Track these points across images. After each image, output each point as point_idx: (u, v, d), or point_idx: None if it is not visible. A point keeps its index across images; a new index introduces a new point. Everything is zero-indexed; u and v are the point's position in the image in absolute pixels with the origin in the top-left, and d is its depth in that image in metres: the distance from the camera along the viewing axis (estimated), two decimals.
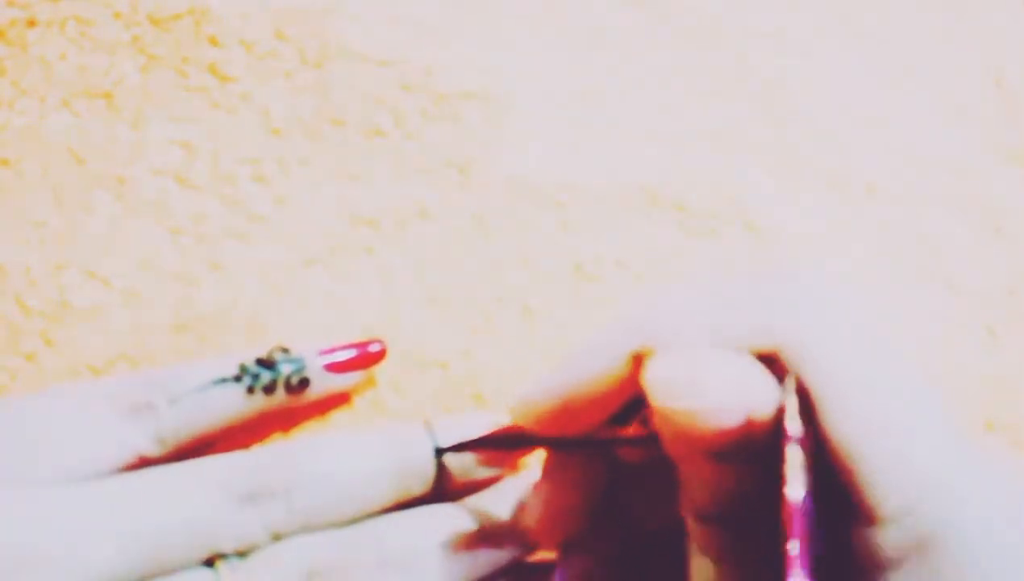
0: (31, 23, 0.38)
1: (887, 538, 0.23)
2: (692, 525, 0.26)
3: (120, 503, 0.30)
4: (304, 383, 0.33)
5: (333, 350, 0.34)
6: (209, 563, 0.30)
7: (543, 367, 0.34)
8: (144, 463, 0.32)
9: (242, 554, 0.31)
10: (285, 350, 0.33)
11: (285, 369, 0.33)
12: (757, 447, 0.23)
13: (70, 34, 0.38)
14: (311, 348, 0.34)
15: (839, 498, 0.23)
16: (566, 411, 0.27)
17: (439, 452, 0.32)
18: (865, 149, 0.42)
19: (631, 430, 0.27)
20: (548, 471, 0.29)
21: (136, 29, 0.39)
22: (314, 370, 0.34)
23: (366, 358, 0.35)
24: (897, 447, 0.23)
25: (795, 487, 0.22)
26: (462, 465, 0.33)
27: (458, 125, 0.39)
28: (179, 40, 0.39)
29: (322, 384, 0.34)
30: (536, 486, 0.29)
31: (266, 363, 0.33)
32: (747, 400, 0.23)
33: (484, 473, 0.33)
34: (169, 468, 0.31)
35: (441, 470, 0.32)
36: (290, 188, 0.37)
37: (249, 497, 0.31)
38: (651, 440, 0.26)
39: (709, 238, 0.39)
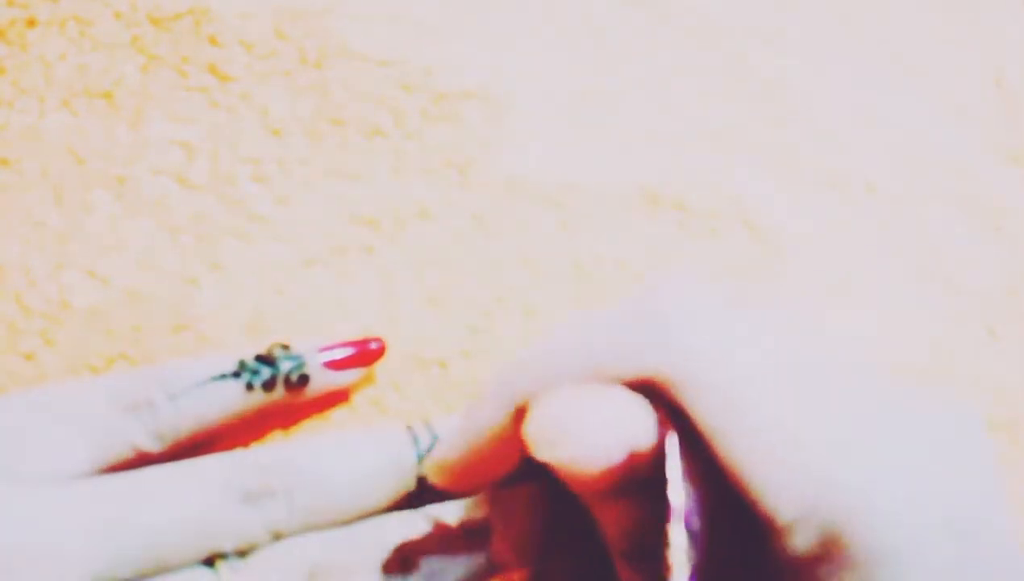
0: (31, 23, 0.38)
1: (793, 545, 0.23)
2: (617, 564, 0.26)
3: (118, 501, 0.30)
4: (304, 380, 0.33)
5: (332, 347, 0.34)
6: (209, 563, 0.30)
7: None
8: (143, 459, 0.32)
9: (243, 554, 0.31)
10: (285, 347, 0.33)
11: (284, 366, 0.33)
12: (649, 478, 0.23)
13: (70, 34, 0.38)
14: (311, 345, 0.34)
15: (744, 513, 0.23)
16: (470, 470, 0.28)
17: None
18: (865, 149, 0.42)
19: None
20: (494, 502, 0.30)
21: (136, 29, 0.39)
22: (313, 367, 0.34)
23: (365, 355, 0.35)
24: (780, 453, 0.23)
25: (676, 494, 0.22)
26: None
27: (458, 125, 0.39)
28: (179, 40, 0.39)
29: (322, 381, 0.34)
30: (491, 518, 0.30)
31: (265, 360, 0.33)
32: (624, 436, 0.23)
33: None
34: (169, 467, 0.31)
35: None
36: (290, 188, 0.37)
37: (249, 496, 0.31)
38: None
39: (709, 238, 0.39)
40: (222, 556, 0.30)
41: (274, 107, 0.38)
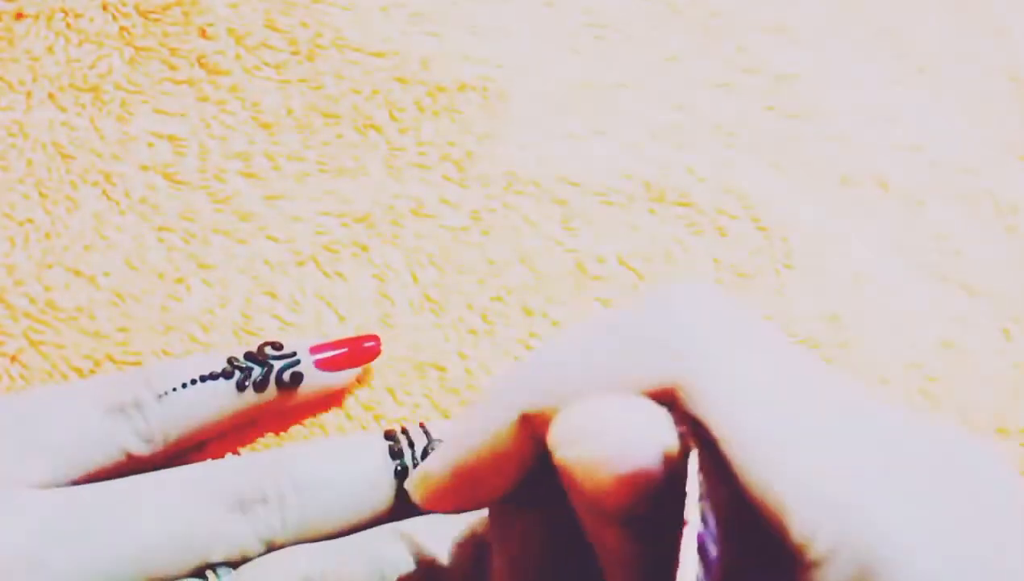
0: (18, 15, 0.38)
1: (826, 579, 0.22)
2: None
3: (103, 510, 0.29)
4: (296, 380, 0.33)
5: (325, 346, 0.34)
6: (199, 574, 0.30)
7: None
8: (134, 462, 0.31)
9: (233, 566, 0.30)
10: (276, 346, 0.33)
11: (276, 365, 0.33)
12: (661, 509, 0.22)
13: (56, 26, 0.38)
14: (303, 344, 0.33)
15: (772, 545, 0.22)
16: (459, 488, 0.26)
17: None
18: (877, 146, 0.41)
19: None
20: (493, 526, 0.28)
21: (124, 21, 0.39)
22: (306, 367, 0.33)
23: (360, 355, 0.34)
24: (815, 479, 0.22)
25: (693, 512, 0.21)
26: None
27: (455, 119, 0.39)
28: (167, 32, 0.39)
29: (315, 382, 0.33)
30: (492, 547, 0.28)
31: (256, 359, 0.33)
32: (652, 443, 0.22)
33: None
34: (158, 474, 0.31)
35: None
36: (281, 184, 0.37)
37: (242, 504, 0.30)
38: None
39: (716, 236, 0.39)
40: (212, 567, 0.30)
41: (265, 100, 0.38)
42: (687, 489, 0.21)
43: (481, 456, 0.25)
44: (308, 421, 0.34)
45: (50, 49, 0.38)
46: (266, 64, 0.38)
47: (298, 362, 0.33)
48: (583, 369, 0.24)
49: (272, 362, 0.33)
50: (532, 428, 0.24)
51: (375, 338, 0.34)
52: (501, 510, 0.27)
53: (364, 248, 0.37)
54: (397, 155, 0.38)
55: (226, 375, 0.32)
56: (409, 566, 0.30)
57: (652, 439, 0.22)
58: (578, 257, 0.37)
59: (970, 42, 0.44)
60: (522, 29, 0.41)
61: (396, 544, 0.31)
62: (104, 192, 0.36)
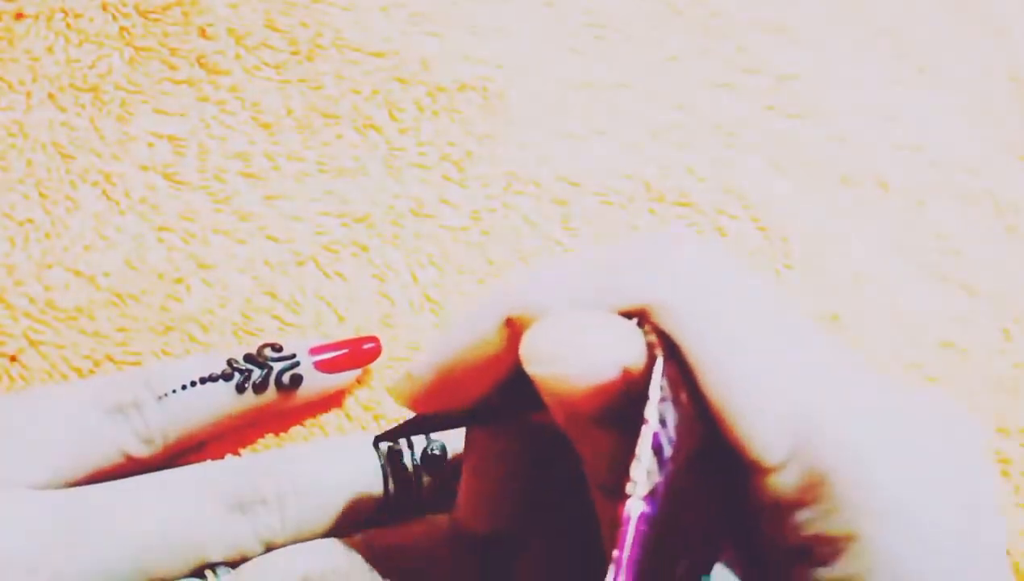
0: (18, 15, 0.38)
1: (782, 484, 0.23)
2: (598, 501, 0.26)
3: (102, 509, 0.29)
4: (296, 381, 0.33)
5: (325, 348, 0.34)
6: (199, 575, 0.30)
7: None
8: (133, 463, 0.31)
9: (232, 565, 0.30)
10: (276, 348, 0.33)
11: (276, 367, 0.33)
12: (636, 409, 0.23)
13: (56, 26, 0.38)
14: (302, 346, 0.33)
15: (730, 452, 0.24)
16: (442, 388, 0.27)
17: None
18: (877, 146, 0.41)
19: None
20: (466, 446, 0.29)
21: (124, 21, 0.38)
22: (306, 368, 0.33)
23: (359, 356, 0.34)
24: (771, 390, 0.23)
25: (651, 411, 0.22)
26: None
27: (455, 119, 0.39)
28: (167, 32, 0.38)
29: (314, 383, 0.33)
30: (463, 473, 0.29)
31: (256, 360, 0.33)
32: (620, 354, 0.23)
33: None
34: (158, 475, 0.31)
35: (418, 476, 0.32)
36: (281, 184, 0.37)
37: (241, 504, 0.30)
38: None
39: (716, 236, 0.39)
40: (211, 567, 0.30)
41: (265, 100, 0.38)
42: (648, 393, 0.22)
43: (466, 357, 0.26)
44: (308, 422, 0.34)
45: (50, 49, 0.38)
46: (266, 64, 0.38)
47: (298, 364, 0.33)
48: (567, 282, 0.25)
49: (272, 364, 0.33)
50: (515, 332, 0.25)
51: (375, 339, 0.34)
52: (475, 432, 0.29)
53: (364, 248, 0.37)
54: (397, 155, 0.38)
55: (225, 377, 0.32)
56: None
57: (610, 357, 0.23)
58: None
59: (970, 42, 0.44)
60: (522, 29, 0.41)
61: (398, 534, 0.31)
62: (104, 192, 0.36)
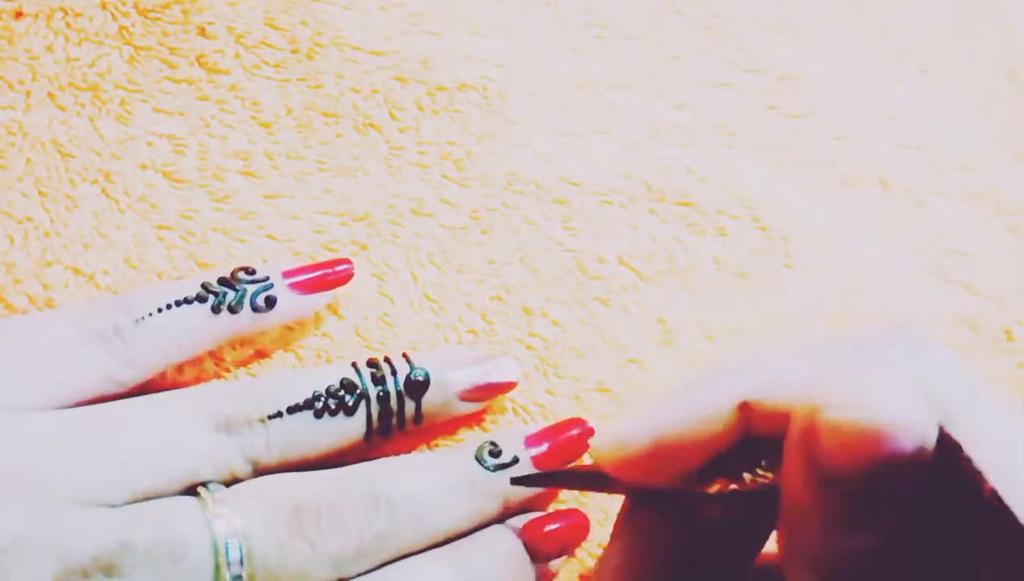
0: (18, 15, 0.38)
1: None
2: (795, 575, 0.25)
3: (96, 427, 0.30)
4: (270, 303, 0.33)
5: (298, 271, 0.34)
6: (192, 492, 0.30)
7: (630, 412, 0.33)
8: (116, 387, 0.32)
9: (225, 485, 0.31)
10: (249, 271, 0.33)
11: (249, 289, 0.33)
12: (898, 498, 0.23)
13: (56, 26, 0.38)
14: (275, 268, 0.34)
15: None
16: (654, 459, 0.26)
17: (513, 482, 0.31)
18: (878, 146, 0.41)
19: (715, 487, 0.26)
20: (624, 522, 0.28)
21: (123, 20, 0.38)
22: (279, 290, 0.33)
23: (332, 278, 0.34)
24: None
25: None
26: (444, 398, 0.33)
27: (455, 118, 0.39)
28: (167, 31, 0.38)
29: (288, 305, 0.34)
30: (611, 540, 0.28)
31: (230, 283, 0.33)
32: (924, 426, 0.23)
33: (462, 409, 0.34)
34: (144, 398, 0.31)
35: (401, 402, 0.33)
36: (281, 183, 0.37)
37: (227, 424, 0.31)
38: (739, 497, 0.26)
39: (716, 235, 0.38)
40: (205, 485, 0.30)
41: (264, 99, 0.38)
42: (971, 462, 0.22)
43: (690, 433, 0.26)
44: (293, 344, 0.35)
45: (49, 48, 0.38)
46: (265, 63, 0.38)
47: (271, 286, 0.33)
48: (821, 368, 0.25)
49: (245, 286, 0.33)
50: (747, 417, 0.25)
51: (348, 261, 0.35)
52: (640, 513, 0.28)
53: (363, 247, 0.37)
54: (397, 154, 0.38)
55: (200, 299, 0.33)
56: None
57: (929, 432, 0.23)
58: (578, 257, 0.37)
59: (971, 42, 0.44)
60: (522, 29, 0.41)
61: (393, 470, 0.32)
62: (103, 190, 0.36)
